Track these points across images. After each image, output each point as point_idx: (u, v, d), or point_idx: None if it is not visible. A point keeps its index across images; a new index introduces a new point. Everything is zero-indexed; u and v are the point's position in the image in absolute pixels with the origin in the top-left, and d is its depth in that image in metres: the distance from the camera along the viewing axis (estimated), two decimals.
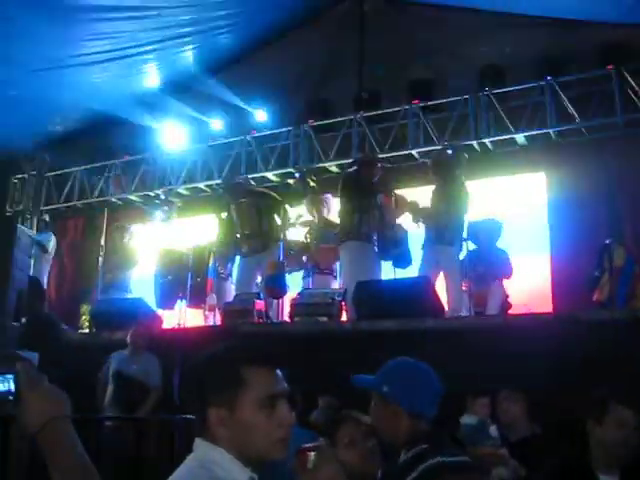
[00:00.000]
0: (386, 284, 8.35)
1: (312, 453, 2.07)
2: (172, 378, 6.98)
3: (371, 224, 8.78)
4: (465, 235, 8.42)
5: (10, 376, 1.87)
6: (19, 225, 10.52)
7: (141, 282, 11.03)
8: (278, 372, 1.94)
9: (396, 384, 2.77)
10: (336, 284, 9.39)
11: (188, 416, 5.17)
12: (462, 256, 8.55)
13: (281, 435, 1.87)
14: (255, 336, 7.71)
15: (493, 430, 5.01)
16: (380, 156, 10.62)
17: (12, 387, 1.86)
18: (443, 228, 8.48)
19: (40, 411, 1.79)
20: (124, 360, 7.45)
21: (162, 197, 12.66)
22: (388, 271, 8.88)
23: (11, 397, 1.85)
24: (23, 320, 8.00)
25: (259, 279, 9.53)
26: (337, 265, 9.48)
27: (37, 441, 1.78)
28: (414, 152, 10.88)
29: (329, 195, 10.00)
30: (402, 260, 8.85)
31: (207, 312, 9.93)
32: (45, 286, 11.75)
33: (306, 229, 9.95)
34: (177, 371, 6.79)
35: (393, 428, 2.75)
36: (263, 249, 9.42)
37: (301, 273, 9.79)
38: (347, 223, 8.86)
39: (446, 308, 7.96)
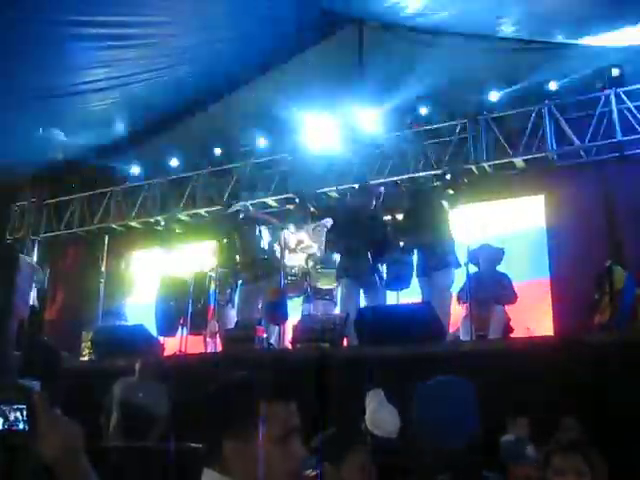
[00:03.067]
0: (388, 310, 8.35)
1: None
2: (175, 406, 6.96)
3: (372, 258, 8.84)
4: (465, 259, 8.44)
5: (21, 406, 1.87)
6: (21, 254, 10.48)
7: (142, 309, 11.01)
8: (293, 406, 1.94)
9: (417, 415, 2.81)
10: (336, 310, 9.39)
11: (194, 445, 5.15)
12: (462, 280, 8.57)
13: (293, 468, 1.88)
14: (256, 362, 7.69)
15: (530, 450, 5.06)
16: (380, 181, 10.71)
17: (24, 418, 1.86)
18: (432, 254, 8.54)
19: (56, 444, 1.80)
20: (130, 388, 7.37)
21: (162, 223, 12.71)
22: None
23: (22, 427, 1.85)
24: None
25: (260, 305, 9.55)
26: (337, 291, 9.49)
27: (53, 473, 1.79)
28: (414, 176, 10.92)
29: (329, 220, 10.02)
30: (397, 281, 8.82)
31: (208, 339, 9.91)
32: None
33: (306, 255, 9.95)
34: (180, 399, 6.76)
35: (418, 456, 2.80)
36: (264, 276, 9.44)
37: (301, 299, 9.78)
38: (348, 257, 8.96)
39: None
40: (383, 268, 8.93)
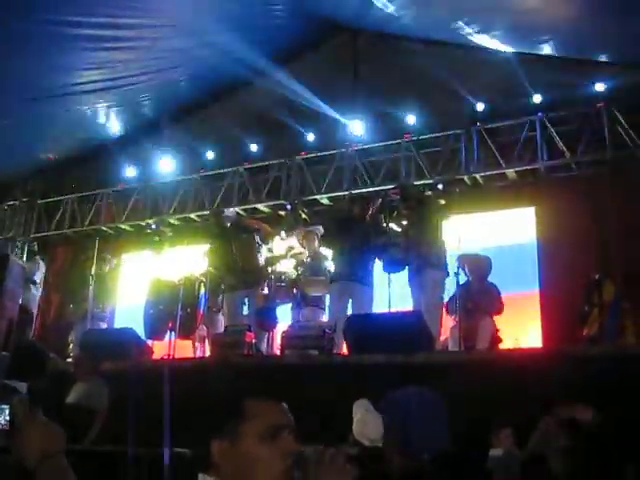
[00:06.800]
0: (377, 318, 8.33)
1: None
2: (161, 410, 6.92)
3: (362, 264, 8.83)
4: (455, 269, 8.44)
5: (5, 407, 1.87)
6: (11, 254, 10.47)
7: (131, 312, 10.98)
8: (283, 406, 1.94)
9: (390, 420, 2.75)
10: (325, 317, 9.38)
11: (178, 450, 5.12)
12: (452, 290, 8.57)
13: (283, 466, 1.86)
14: (245, 368, 7.67)
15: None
16: (371, 189, 10.76)
17: (6, 418, 1.86)
18: (422, 250, 8.50)
19: (37, 447, 1.80)
20: (71, 391, 7.24)
21: (153, 227, 12.69)
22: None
23: (6, 427, 1.86)
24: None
25: (245, 310, 9.55)
26: (326, 298, 9.48)
27: (34, 476, 1.78)
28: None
29: (320, 227, 10.02)
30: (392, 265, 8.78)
31: (197, 343, 9.88)
32: (34, 315, 11.71)
33: (296, 261, 9.94)
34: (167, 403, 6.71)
35: (392, 462, 2.73)
36: (253, 282, 9.43)
37: (290, 305, 9.76)
38: (339, 263, 8.95)
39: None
40: (373, 270, 8.92)
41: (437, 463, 2.70)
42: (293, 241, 10.12)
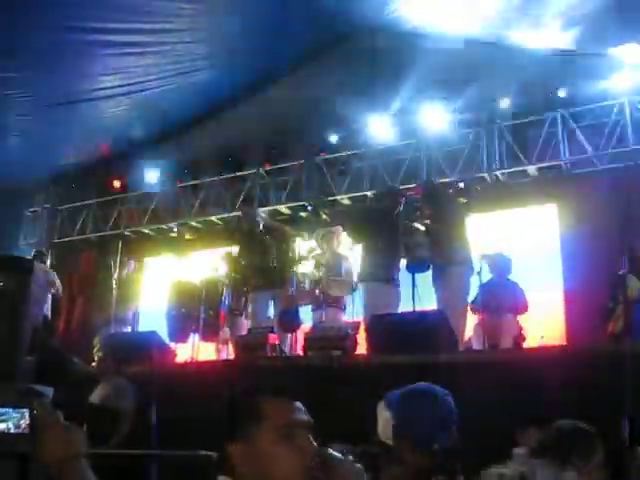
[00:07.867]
0: (400, 317, 8.29)
1: None
2: (185, 412, 6.94)
3: (395, 263, 8.77)
4: (477, 268, 8.40)
5: (25, 410, 1.88)
6: (35, 260, 10.51)
7: (154, 315, 11.01)
8: (298, 404, 1.94)
9: (399, 415, 2.75)
10: (346, 318, 9.37)
11: (204, 452, 5.12)
12: (475, 290, 8.52)
13: (302, 464, 1.86)
14: (269, 370, 7.66)
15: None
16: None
17: (27, 422, 1.87)
18: (446, 247, 8.44)
19: (56, 451, 1.80)
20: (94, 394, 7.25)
21: (175, 230, 12.74)
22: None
23: (26, 431, 1.86)
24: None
25: (271, 312, 9.55)
26: (347, 298, 9.47)
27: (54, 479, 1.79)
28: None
29: (339, 227, 10.01)
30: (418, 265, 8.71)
31: (220, 345, 9.89)
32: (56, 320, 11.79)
33: (316, 262, 9.93)
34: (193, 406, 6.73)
35: (403, 457, 2.73)
36: (277, 283, 9.43)
37: (310, 307, 9.75)
38: (368, 262, 8.88)
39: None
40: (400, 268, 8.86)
41: (449, 454, 2.69)
42: (314, 242, 10.12)
